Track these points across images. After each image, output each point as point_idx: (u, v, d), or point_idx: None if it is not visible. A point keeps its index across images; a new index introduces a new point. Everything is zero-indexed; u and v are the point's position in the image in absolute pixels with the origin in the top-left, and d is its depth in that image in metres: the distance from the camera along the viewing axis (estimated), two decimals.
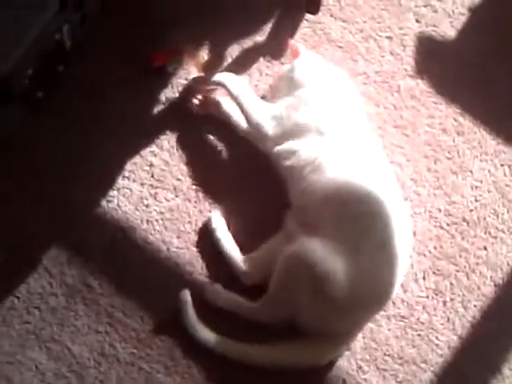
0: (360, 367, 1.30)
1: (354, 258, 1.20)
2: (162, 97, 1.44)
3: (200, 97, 1.40)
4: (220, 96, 1.40)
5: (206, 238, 1.34)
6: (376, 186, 1.26)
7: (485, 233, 1.39)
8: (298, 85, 1.35)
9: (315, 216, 1.25)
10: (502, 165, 1.45)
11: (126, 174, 1.38)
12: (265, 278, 1.27)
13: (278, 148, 1.30)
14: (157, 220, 1.36)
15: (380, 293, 1.24)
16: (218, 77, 1.37)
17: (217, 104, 1.40)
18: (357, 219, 1.22)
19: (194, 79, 1.44)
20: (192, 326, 1.26)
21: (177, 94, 1.44)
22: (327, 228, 1.22)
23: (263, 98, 1.40)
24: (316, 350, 1.26)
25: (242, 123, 1.38)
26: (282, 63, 1.47)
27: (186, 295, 1.28)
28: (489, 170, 1.44)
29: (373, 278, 1.22)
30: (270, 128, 1.31)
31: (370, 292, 1.22)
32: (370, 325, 1.31)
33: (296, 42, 1.48)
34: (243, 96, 1.34)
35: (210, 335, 1.25)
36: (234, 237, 1.33)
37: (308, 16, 1.51)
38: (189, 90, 1.43)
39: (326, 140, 1.29)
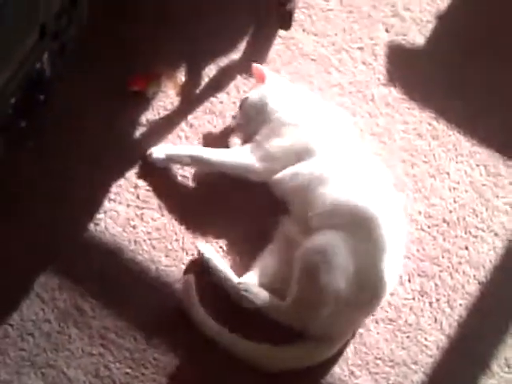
0: (352, 372, 1.32)
1: (353, 256, 1.24)
2: (143, 119, 1.47)
3: None
4: None
5: (192, 254, 1.37)
6: (374, 193, 1.31)
7: (465, 232, 1.43)
8: (273, 110, 1.38)
9: (321, 222, 1.28)
10: (477, 165, 1.48)
11: (112, 196, 1.40)
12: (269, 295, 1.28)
13: (277, 176, 1.33)
14: (144, 240, 1.38)
15: (374, 292, 1.27)
16: None
17: None
18: (358, 225, 1.27)
19: None
20: (195, 311, 1.27)
21: (157, 116, 1.47)
22: (329, 229, 1.26)
23: (233, 129, 1.43)
24: (311, 350, 1.27)
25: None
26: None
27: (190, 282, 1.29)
28: (465, 171, 1.48)
29: (369, 277, 1.25)
30: (257, 163, 1.34)
31: (366, 291, 1.26)
32: (359, 330, 1.33)
33: (268, 58, 1.52)
34: (215, 156, 1.36)
35: (213, 324, 1.27)
36: (227, 256, 1.35)
37: (281, 32, 1.55)
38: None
39: (320, 154, 1.33)
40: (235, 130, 1.44)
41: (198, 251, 1.34)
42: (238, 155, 1.36)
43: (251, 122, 1.40)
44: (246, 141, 1.41)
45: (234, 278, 1.30)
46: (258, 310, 1.28)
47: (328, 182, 1.30)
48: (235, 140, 1.42)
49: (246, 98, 1.42)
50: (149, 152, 1.41)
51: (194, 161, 1.39)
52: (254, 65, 1.45)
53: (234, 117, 1.46)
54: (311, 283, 1.24)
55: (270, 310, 1.27)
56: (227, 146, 1.42)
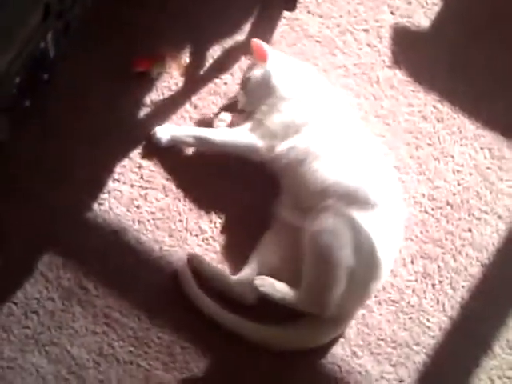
0: (354, 353, 1.33)
1: (353, 237, 1.25)
2: (147, 100, 1.47)
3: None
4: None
5: (196, 236, 1.38)
6: (371, 173, 1.31)
7: (469, 215, 1.43)
8: (276, 88, 1.38)
9: (317, 199, 1.28)
10: (481, 148, 1.48)
11: (116, 176, 1.40)
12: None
13: (277, 151, 1.33)
14: (148, 220, 1.38)
15: (374, 273, 1.27)
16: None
17: None
18: (356, 201, 1.27)
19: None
20: (196, 296, 1.29)
21: (161, 97, 1.47)
22: (330, 209, 1.26)
23: (236, 102, 1.43)
24: (317, 330, 1.28)
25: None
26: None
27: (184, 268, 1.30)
28: (469, 154, 1.48)
29: (370, 255, 1.26)
30: (258, 142, 1.34)
31: (367, 272, 1.26)
32: (361, 311, 1.34)
33: (273, 39, 1.52)
34: (218, 137, 1.37)
35: (216, 307, 1.28)
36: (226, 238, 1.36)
37: (286, 13, 1.54)
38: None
39: (318, 129, 1.33)
40: (238, 108, 1.44)
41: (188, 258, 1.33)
42: (240, 135, 1.36)
43: (254, 100, 1.40)
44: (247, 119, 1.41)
45: (230, 278, 1.31)
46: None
47: (324, 158, 1.30)
48: (222, 116, 1.42)
49: (249, 78, 1.42)
50: (153, 132, 1.41)
51: (198, 141, 1.39)
52: (254, 40, 1.42)
53: (237, 98, 1.45)
54: (325, 264, 1.24)
55: (286, 300, 1.27)
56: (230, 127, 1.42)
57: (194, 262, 1.33)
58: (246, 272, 1.31)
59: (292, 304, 1.26)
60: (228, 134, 1.38)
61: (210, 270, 1.32)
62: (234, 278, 1.31)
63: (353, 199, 1.27)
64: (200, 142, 1.39)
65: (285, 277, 1.28)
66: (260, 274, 1.29)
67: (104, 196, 1.39)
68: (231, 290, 1.30)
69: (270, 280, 1.27)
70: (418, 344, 1.34)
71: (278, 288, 1.26)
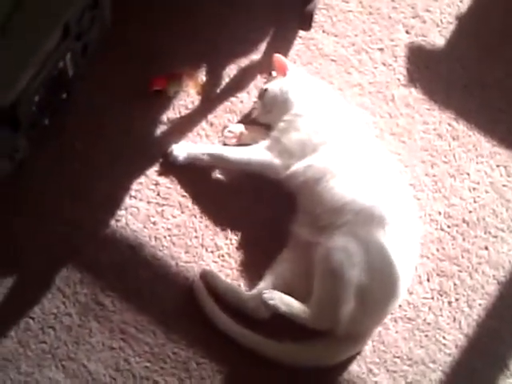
0: (370, 370, 1.32)
1: (367, 256, 1.25)
2: (164, 118, 1.49)
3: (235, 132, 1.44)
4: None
5: (212, 252, 1.39)
6: (386, 191, 1.32)
7: (485, 233, 1.42)
8: (292, 103, 1.39)
9: (333, 217, 1.28)
10: (497, 166, 1.48)
11: (133, 193, 1.42)
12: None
13: (294, 169, 1.34)
14: (164, 236, 1.40)
15: (390, 291, 1.27)
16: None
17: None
18: (371, 219, 1.27)
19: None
20: (211, 311, 1.30)
21: (178, 115, 1.49)
22: (344, 228, 1.27)
23: (253, 120, 1.45)
24: (334, 348, 1.28)
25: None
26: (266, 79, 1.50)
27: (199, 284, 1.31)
28: (485, 172, 1.48)
29: (385, 273, 1.26)
30: (275, 159, 1.35)
31: (382, 290, 1.26)
32: (378, 328, 1.34)
33: (289, 58, 1.53)
34: (234, 154, 1.38)
35: (232, 324, 1.29)
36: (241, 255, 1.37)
37: (301, 33, 1.56)
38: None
39: (335, 148, 1.34)
40: (253, 117, 1.45)
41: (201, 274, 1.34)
42: (257, 152, 1.38)
43: (269, 113, 1.42)
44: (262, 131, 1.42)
45: (244, 293, 1.32)
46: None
47: (341, 176, 1.31)
48: (231, 127, 1.44)
49: (266, 90, 1.43)
50: (169, 150, 1.42)
51: (214, 159, 1.40)
52: (276, 55, 1.45)
53: (253, 108, 1.47)
54: (335, 281, 1.25)
55: (295, 315, 1.27)
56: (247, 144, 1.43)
57: (207, 278, 1.33)
58: (261, 287, 1.31)
59: (302, 319, 1.26)
60: (244, 151, 1.39)
61: (224, 286, 1.33)
62: (248, 293, 1.32)
63: (369, 217, 1.27)
64: (216, 159, 1.40)
65: (299, 293, 1.28)
66: (274, 289, 1.29)
67: (121, 212, 1.40)
68: (245, 305, 1.30)
69: (278, 294, 1.27)
70: (434, 362, 1.33)
71: (286, 302, 1.26)
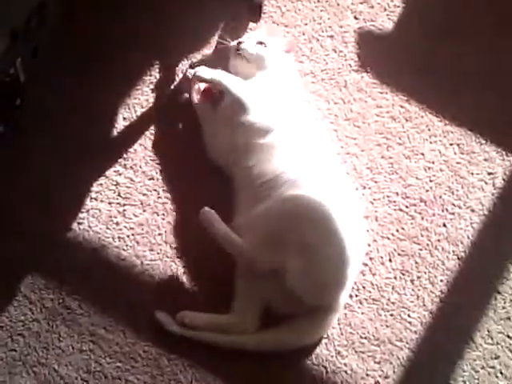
0: (339, 352, 1.35)
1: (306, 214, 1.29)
2: (120, 118, 1.49)
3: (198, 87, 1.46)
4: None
5: (176, 248, 1.39)
6: (317, 162, 1.35)
7: (442, 210, 1.46)
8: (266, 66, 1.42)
9: (269, 191, 1.31)
10: (451, 144, 1.52)
11: (94, 195, 1.42)
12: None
13: (256, 120, 1.35)
14: (128, 236, 1.40)
15: (335, 251, 1.29)
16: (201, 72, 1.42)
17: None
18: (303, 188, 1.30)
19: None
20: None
21: (134, 114, 1.49)
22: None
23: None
24: (304, 330, 1.30)
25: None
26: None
27: (161, 315, 1.31)
28: (439, 151, 1.51)
29: (324, 233, 1.29)
30: (248, 101, 1.37)
31: (327, 248, 1.28)
32: (344, 311, 1.36)
33: None
34: (224, 79, 1.40)
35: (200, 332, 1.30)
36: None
37: (251, 25, 1.57)
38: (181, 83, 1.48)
39: (279, 124, 1.36)
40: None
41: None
42: (241, 88, 1.38)
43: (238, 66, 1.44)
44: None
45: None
46: None
47: (279, 149, 1.33)
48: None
49: (244, 48, 1.43)
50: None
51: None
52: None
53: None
54: (275, 223, 1.27)
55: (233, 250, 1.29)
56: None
57: (186, 322, 1.31)
58: (237, 305, 1.31)
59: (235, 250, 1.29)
60: (232, 79, 1.40)
61: (204, 322, 1.31)
62: (227, 316, 1.31)
63: (305, 186, 1.30)
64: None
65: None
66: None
67: (83, 215, 1.40)
68: (230, 327, 1.30)
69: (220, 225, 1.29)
70: (400, 340, 1.36)
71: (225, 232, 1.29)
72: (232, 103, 1.38)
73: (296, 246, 1.27)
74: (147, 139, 1.47)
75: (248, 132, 1.36)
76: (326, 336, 1.34)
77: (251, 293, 1.31)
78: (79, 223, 1.40)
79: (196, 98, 1.47)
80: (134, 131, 1.47)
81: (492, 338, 1.36)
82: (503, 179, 1.48)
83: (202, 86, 1.48)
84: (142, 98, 1.50)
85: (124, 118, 1.48)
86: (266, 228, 1.29)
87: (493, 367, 1.35)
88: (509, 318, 1.37)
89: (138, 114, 1.49)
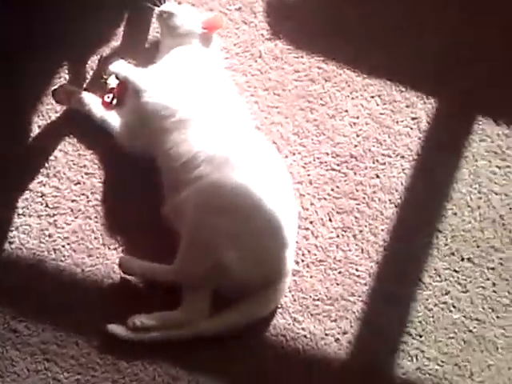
0: (295, 319, 1.35)
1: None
2: (35, 126, 1.44)
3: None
4: None
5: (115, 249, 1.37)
6: (235, 138, 1.34)
7: (373, 162, 1.47)
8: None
9: (189, 173, 1.30)
10: (372, 97, 1.53)
11: (20, 211, 1.38)
12: None
13: (154, 101, 1.34)
14: (63, 246, 1.36)
15: (268, 230, 1.29)
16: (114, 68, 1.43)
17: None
18: (223, 166, 1.30)
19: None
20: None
21: (49, 121, 1.45)
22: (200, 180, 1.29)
23: None
24: (258, 303, 1.30)
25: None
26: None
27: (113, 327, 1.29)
28: (362, 105, 1.52)
29: (252, 215, 1.28)
30: (144, 85, 1.37)
31: (259, 229, 1.28)
32: (293, 278, 1.37)
33: (150, 37, 1.51)
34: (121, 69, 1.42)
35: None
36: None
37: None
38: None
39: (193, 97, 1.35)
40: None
41: None
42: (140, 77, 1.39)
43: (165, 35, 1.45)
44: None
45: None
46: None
47: (193, 127, 1.32)
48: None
49: (176, 16, 1.44)
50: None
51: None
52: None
53: None
54: (201, 230, 1.26)
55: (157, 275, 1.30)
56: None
57: (138, 325, 1.29)
58: (186, 298, 1.30)
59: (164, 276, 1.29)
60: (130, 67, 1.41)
61: (156, 321, 1.29)
62: (177, 310, 1.29)
63: (222, 163, 1.29)
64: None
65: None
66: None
67: (12, 233, 1.36)
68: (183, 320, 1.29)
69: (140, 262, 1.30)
70: (352, 294, 1.37)
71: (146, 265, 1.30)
72: (132, 90, 1.38)
73: (225, 239, 1.26)
74: (67, 144, 1.43)
75: (153, 115, 1.34)
76: (279, 306, 1.35)
77: (198, 287, 1.30)
78: (10, 242, 1.35)
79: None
80: (51, 138, 1.43)
81: (440, 276, 1.40)
82: (427, 122, 1.50)
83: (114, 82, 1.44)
84: (54, 103, 1.45)
85: (39, 126, 1.44)
86: (188, 236, 1.28)
87: (445, 303, 1.38)
88: (453, 254, 1.41)
89: (53, 119, 1.45)
